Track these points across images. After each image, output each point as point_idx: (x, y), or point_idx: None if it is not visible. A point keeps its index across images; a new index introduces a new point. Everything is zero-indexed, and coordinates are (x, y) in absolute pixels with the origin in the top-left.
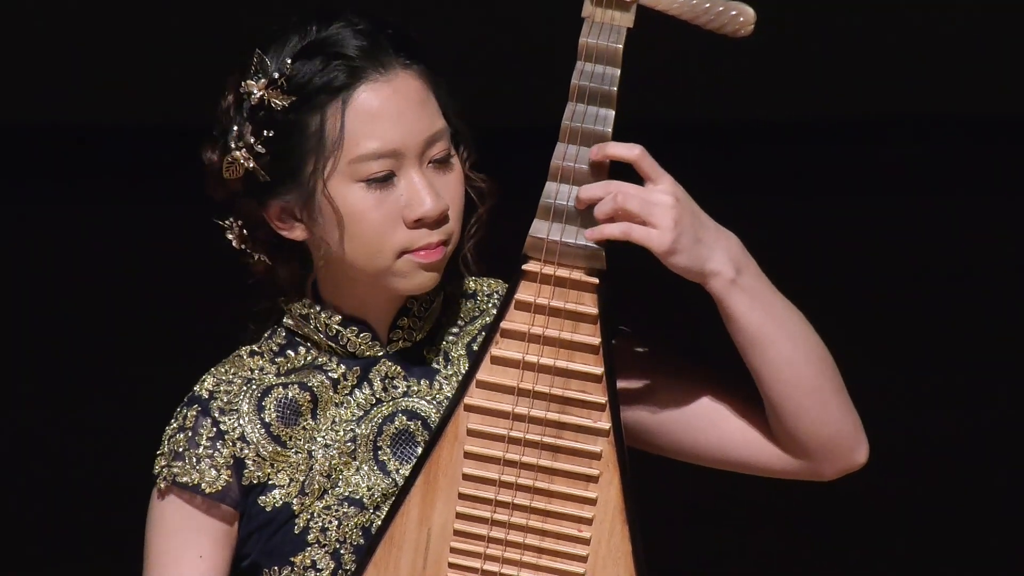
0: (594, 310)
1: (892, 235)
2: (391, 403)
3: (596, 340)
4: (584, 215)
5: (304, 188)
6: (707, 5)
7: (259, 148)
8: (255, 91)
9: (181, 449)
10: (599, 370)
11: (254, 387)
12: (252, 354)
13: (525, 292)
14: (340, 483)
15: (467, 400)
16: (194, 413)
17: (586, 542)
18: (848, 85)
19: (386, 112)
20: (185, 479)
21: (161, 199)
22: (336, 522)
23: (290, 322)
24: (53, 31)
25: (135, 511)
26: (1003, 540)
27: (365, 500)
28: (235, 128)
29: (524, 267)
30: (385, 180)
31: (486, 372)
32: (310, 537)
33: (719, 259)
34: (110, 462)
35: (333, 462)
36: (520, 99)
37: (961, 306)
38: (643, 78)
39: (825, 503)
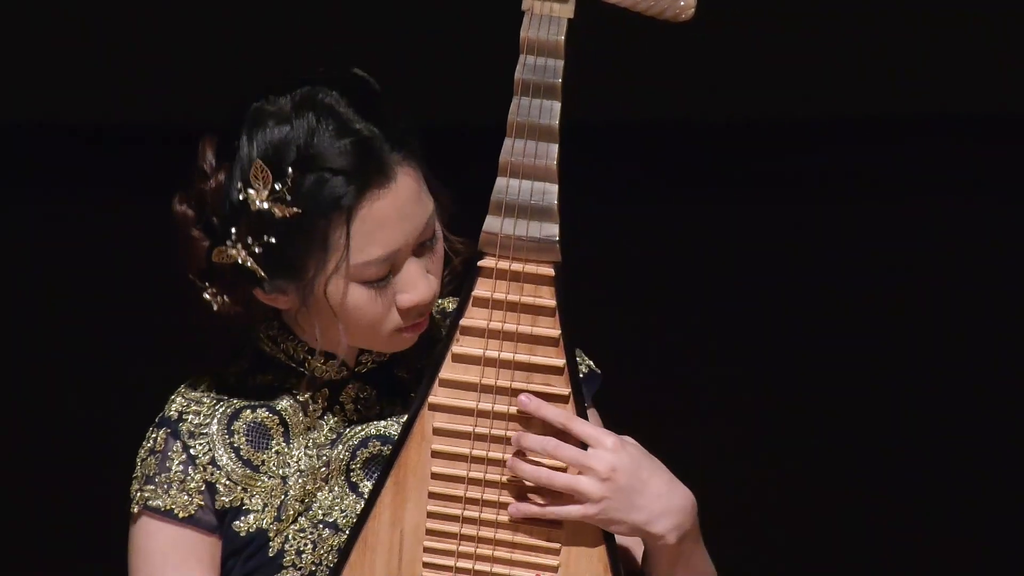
0: (552, 302)
1: (892, 235)
2: (363, 426)
3: (556, 332)
4: (536, 210)
5: (301, 284)
6: None
7: (257, 249)
8: (258, 201)
9: (151, 473)
10: (560, 362)
11: (222, 409)
12: (219, 376)
13: (482, 288)
14: (314, 506)
15: (431, 399)
16: (163, 435)
17: (559, 534)
18: (848, 85)
19: (390, 219)
20: (157, 503)
21: (160, 199)
22: (311, 545)
23: (259, 345)
24: (52, 30)
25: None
26: (1005, 541)
27: (340, 522)
28: (232, 228)
29: (479, 263)
30: (384, 279)
31: (448, 370)
32: (285, 560)
33: (663, 525)
34: (110, 462)
35: (307, 487)
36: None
37: (961, 306)
38: (643, 78)
39: (826, 503)
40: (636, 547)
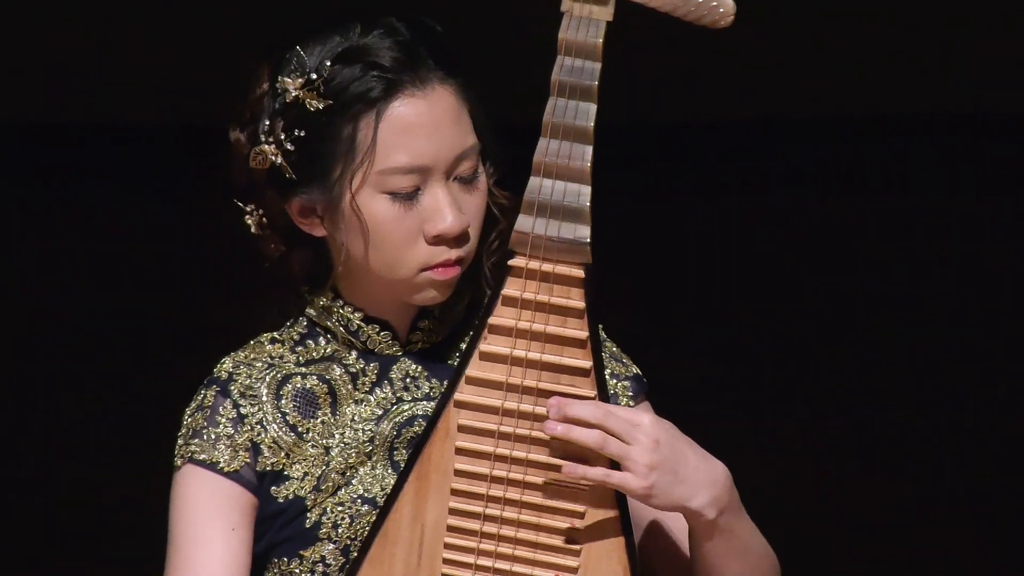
0: (581, 304)
1: (892, 235)
2: (411, 405)
3: (584, 334)
4: (568, 211)
5: (329, 192)
6: None
7: (288, 145)
8: (291, 89)
9: (199, 427)
10: (587, 364)
11: (273, 373)
12: (273, 341)
13: (512, 287)
14: (354, 481)
15: (457, 396)
16: (213, 393)
17: (579, 534)
18: (848, 85)
19: (419, 127)
20: (203, 456)
21: (158, 198)
22: (348, 519)
23: (312, 312)
24: (50, 30)
25: (140, 510)
26: (1005, 541)
27: (379, 499)
28: (266, 121)
29: (510, 262)
30: (410, 195)
31: (475, 368)
32: (321, 532)
33: (701, 499)
34: (110, 461)
35: (349, 460)
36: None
37: (960, 306)
38: (643, 78)
39: (827, 503)
40: (651, 546)
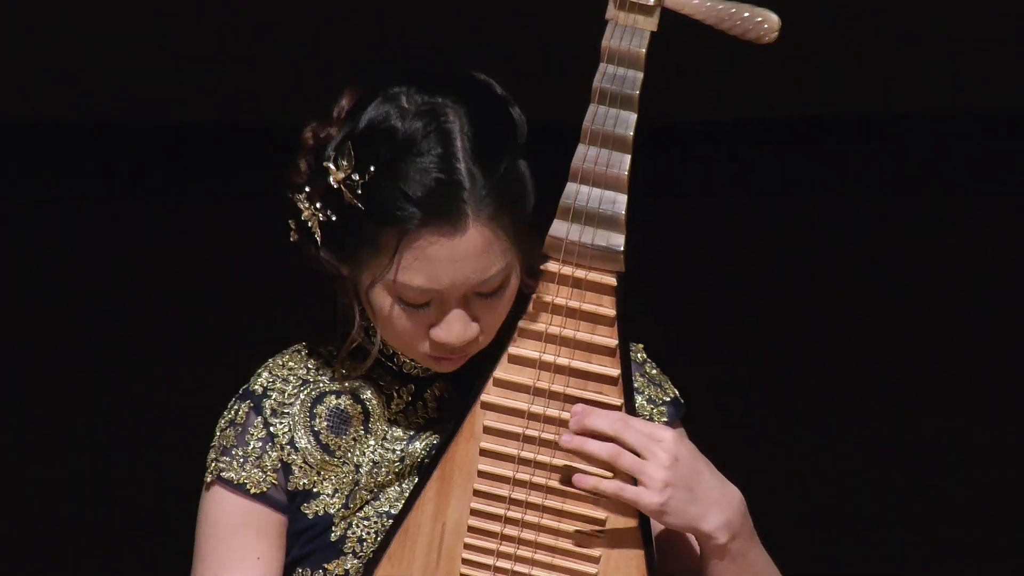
0: (612, 312)
1: (892, 235)
2: (443, 426)
3: (613, 342)
4: (603, 218)
5: (350, 271)
6: (732, 11)
7: (321, 217)
8: (331, 179)
9: (229, 444)
10: (615, 372)
11: (307, 391)
12: (312, 353)
13: (543, 291)
14: (381, 496)
15: (484, 398)
16: (246, 409)
17: (599, 543)
18: (848, 85)
19: (441, 260)
20: (231, 475)
21: (158, 199)
22: (374, 534)
23: (354, 330)
24: (48, 30)
25: (145, 509)
26: (1008, 541)
27: None
28: (307, 188)
29: (543, 267)
30: (422, 304)
31: (503, 370)
32: (346, 547)
33: (714, 522)
34: (111, 461)
35: (379, 479)
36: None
37: (960, 306)
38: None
39: (828, 504)
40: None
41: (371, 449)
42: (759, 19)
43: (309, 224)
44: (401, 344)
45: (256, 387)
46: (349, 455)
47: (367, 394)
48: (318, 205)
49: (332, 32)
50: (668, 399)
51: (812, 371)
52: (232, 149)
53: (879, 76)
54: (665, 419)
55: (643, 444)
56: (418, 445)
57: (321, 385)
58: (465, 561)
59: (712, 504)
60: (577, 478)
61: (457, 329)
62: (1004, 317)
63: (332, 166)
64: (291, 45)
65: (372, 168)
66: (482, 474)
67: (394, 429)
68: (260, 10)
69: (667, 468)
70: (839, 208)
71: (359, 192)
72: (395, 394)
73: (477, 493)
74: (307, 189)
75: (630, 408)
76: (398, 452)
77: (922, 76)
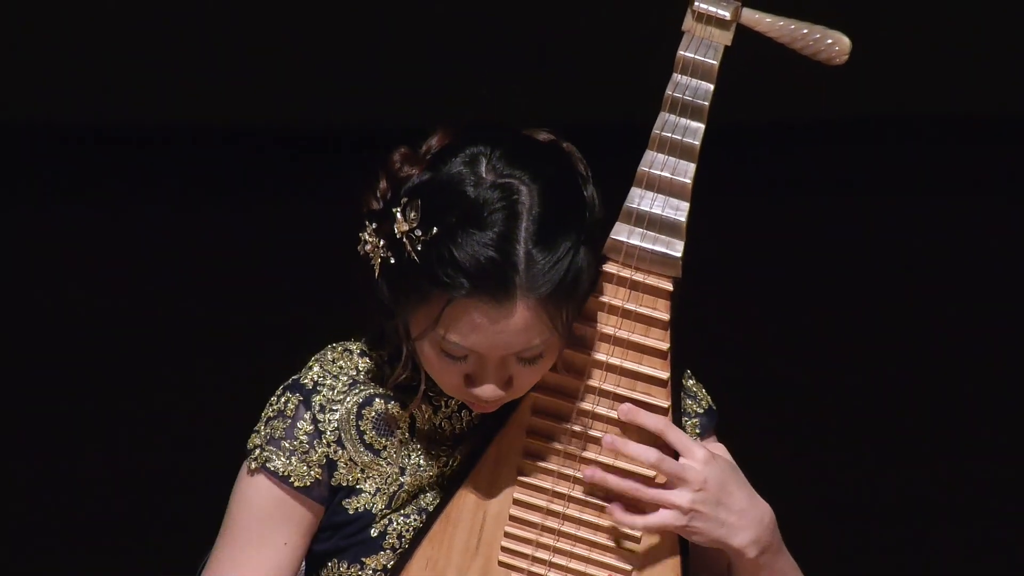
0: (666, 316)
1: (892, 235)
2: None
3: (665, 345)
4: (664, 224)
5: (399, 309)
6: (805, 31)
7: (383, 254)
8: (396, 229)
9: (277, 435)
10: (665, 375)
11: (357, 392)
12: (363, 354)
13: (601, 292)
14: (421, 498)
15: (534, 393)
16: (296, 402)
17: (636, 541)
18: (848, 85)
19: (483, 328)
20: (276, 465)
21: (157, 199)
22: (414, 530)
23: (400, 364)
24: (48, 30)
25: (151, 507)
26: (1007, 541)
27: None
28: (374, 224)
29: (602, 268)
30: (462, 358)
31: (555, 368)
32: (385, 543)
33: (742, 539)
34: (107, 460)
35: (422, 482)
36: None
37: (960, 306)
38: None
39: (828, 504)
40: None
41: (416, 453)
42: (830, 41)
43: (371, 256)
44: (444, 385)
45: (306, 381)
46: (394, 457)
47: (414, 400)
48: (382, 243)
49: (334, 33)
50: (702, 411)
51: (812, 371)
52: (237, 151)
53: (879, 76)
54: (698, 431)
55: (675, 470)
56: (464, 450)
57: (369, 390)
58: (504, 549)
59: (741, 524)
60: (610, 510)
61: (489, 390)
62: (1004, 317)
63: (400, 216)
64: (291, 45)
65: (435, 229)
66: (527, 467)
67: (439, 434)
68: (262, 10)
69: (694, 493)
70: (839, 208)
71: (418, 248)
72: (443, 404)
73: (521, 484)
74: (375, 225)
75: (676, 412)
76: (443, 458)
77: (922, 77)
